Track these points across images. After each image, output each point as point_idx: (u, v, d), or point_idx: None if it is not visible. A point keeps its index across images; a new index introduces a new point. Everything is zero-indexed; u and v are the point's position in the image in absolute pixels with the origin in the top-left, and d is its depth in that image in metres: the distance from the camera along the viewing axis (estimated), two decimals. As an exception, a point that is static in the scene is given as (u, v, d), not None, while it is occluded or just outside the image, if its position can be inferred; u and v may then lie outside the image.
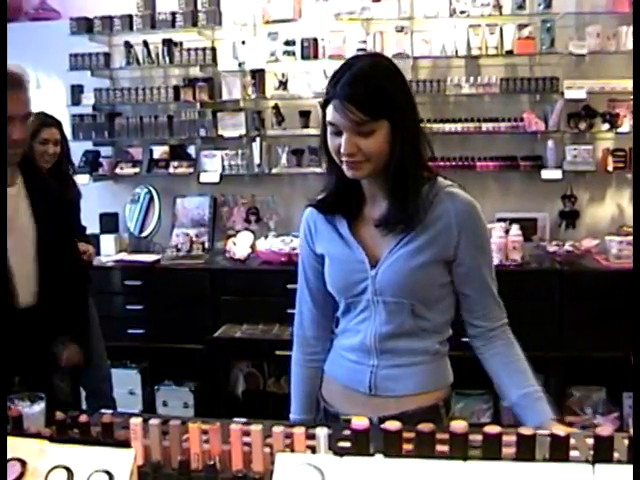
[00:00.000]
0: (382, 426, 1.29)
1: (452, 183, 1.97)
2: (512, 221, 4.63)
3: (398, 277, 1.91)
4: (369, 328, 1.97)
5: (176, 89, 5.14)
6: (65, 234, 2.73)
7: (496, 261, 4.42)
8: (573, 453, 1.37)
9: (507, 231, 4.54)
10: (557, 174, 4.72)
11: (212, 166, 5.20)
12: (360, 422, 1.29)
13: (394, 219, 1.89)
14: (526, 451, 1.27)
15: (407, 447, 1.31)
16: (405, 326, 1.95)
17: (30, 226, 2.56)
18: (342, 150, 1.82)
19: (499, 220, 4.71)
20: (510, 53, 4.73)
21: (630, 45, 4.45)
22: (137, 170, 5.33)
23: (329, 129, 1.85)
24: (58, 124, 3.98)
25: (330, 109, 1.82)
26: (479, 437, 1.29)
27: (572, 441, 1.31)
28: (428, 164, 1.95)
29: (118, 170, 5.35)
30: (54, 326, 2.60)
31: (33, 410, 1.71)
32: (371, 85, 1.79)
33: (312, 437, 1.43)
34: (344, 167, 1.86)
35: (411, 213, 1.87)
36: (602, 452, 1.25)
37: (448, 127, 4.80)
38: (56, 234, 2.61)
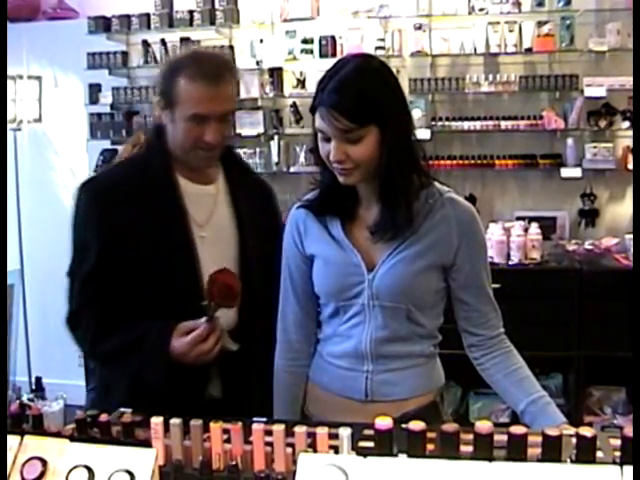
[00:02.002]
0: (405, 426, 1.28)
1: (450, 189, 1.96)
2: (531, 220, 4.60)
3: (397, 281, 1.89)
4: (363, 333, 1.95)
5: (194, 88, 5.12)
6: (271, 248, 2.15)
7: (515, 260, 4.41)
8: (598, 454, 1.35)
9: (526, 230, 4.51)
10: (577, 172, 4.68)
11: (230, 165, 5.18)
12: (383, 422, 1.28)
13: (385, 226, 1.87)
14: (552, 452, 1.26)
15: (430, 447, 1.30)
16: (401, 331, 1.94)
17: (231, 232, 2.19)
18: (331, 157, 1.81)
19: (518, 219, 4.69)
20: (529, 51, 4.69)
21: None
22: (155, 169, 5.31)
23: (319, 135, 1.84)
24: None
25: (318, 116, 1.80)
26: (504, 437, 1.28)
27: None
28: (423, 169, 1.92)
29: (136, 169, 5.34)
30: (256, 352, 2.17)
31: (53, 409, 1.72)
32: (358, 91, 1.76)
33: (335, 437, 1.42)
34: (336, 173, 1.86)
35: (402, 220, 1.85)
36: (630, 453, 1.23)
37: (467, 125, 4.78)
38: (261, 245, 2.20)
